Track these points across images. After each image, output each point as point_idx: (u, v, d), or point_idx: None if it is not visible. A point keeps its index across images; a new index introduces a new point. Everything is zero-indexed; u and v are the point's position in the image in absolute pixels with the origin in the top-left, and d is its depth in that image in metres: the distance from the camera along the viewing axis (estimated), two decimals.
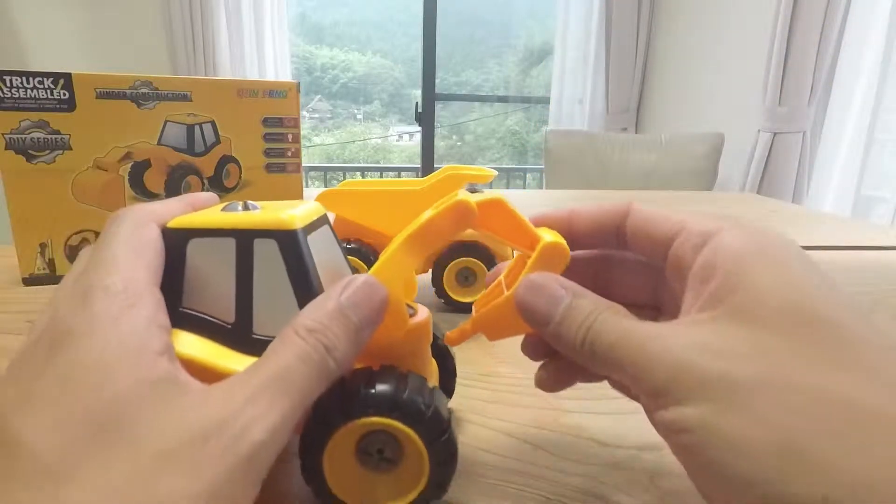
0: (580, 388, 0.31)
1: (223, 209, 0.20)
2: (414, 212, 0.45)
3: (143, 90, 0.47)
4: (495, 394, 0.31)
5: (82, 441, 0.14)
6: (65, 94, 0.45)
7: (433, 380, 0.23)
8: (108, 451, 0.14)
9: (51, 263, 0.47)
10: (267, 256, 0.19)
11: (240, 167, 0.51)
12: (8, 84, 0.44)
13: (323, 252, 0.21)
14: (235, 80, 0.50)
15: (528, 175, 3.39)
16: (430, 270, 0.43)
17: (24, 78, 0.44)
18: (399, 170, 3.62)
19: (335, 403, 0.18)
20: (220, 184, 0.51)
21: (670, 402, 0.15)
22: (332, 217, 0.44)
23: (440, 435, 0.19)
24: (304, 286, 0.19)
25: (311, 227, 0.21)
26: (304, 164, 0.55)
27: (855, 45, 1.58)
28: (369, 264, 0.42)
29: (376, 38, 3.85)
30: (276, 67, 2.31)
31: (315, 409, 0.18)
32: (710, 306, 0.16)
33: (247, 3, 2.18)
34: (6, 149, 0.45)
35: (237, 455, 0.14)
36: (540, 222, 0.22)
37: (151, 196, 0.49)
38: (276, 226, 0.19)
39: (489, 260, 0.42)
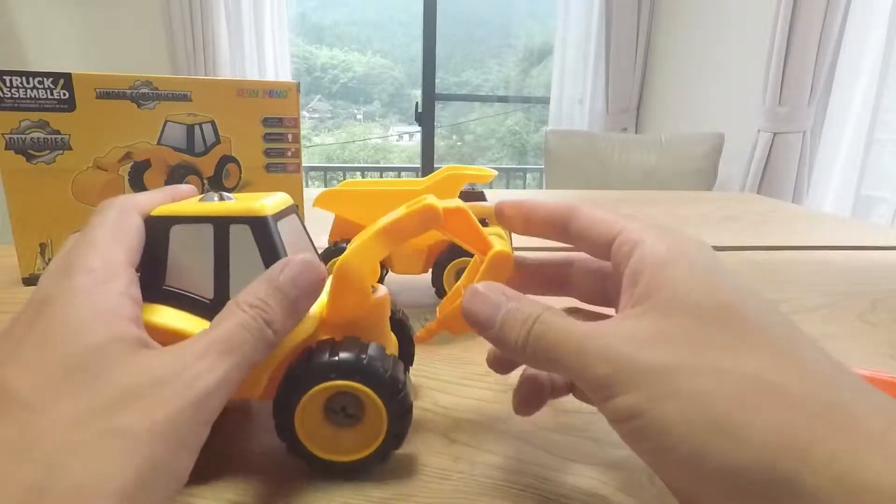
0: None
1: (200, 199, 0.23)
2: None
3: (143, 90, 0.47)
4: (495, 394, 0.31)
5: (56, 382, 0.16)
6: (65, 94, 0.45)
7: (392, 349, 0.26)
8: (77, 390, 0.16)
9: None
10: (241, 240, 0.22)
11: (240, 167, 0.51)
12: (8, 84, 0.44)
13: (290, 236, 0.24)
14: (235, 80, 0.50)
15: (528, 175, 3.39)
16: (430, 271, 0.43)
17: (24, 78, 0.44)
18: (399, 170, 3.62)
19: (304, 371, 0.21)
20: (220, 184, 0.51)
21: (611, 393, 0.17)
22: (331, 217, 0.44)
23: (396, 394, 0.22)
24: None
25: (281, 214, 0.23)
26: (304, 164, 0.55)
27: (855, 45, 1.58)
28: None
29: (376, 38, 3.85)
30: (276, 67, 2.31)
31: (287, 376, 0.21)
32: (638, 304, 0.18)
33: (247, 3, 2.18)
34: (6, 149, 0.45)
35: (186, 399, 0.17)
36: (499, 211, 0.24)
37: None
38: (250, 213, 0.22)
39: None
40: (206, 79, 0.49)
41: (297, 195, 0.54)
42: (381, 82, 3.87)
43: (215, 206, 0.22)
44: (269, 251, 0.22)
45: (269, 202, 0.22)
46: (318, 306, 0.23)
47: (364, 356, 0.21)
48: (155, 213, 0.22)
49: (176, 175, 0.49)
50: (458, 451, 0.25)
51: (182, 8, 2.07)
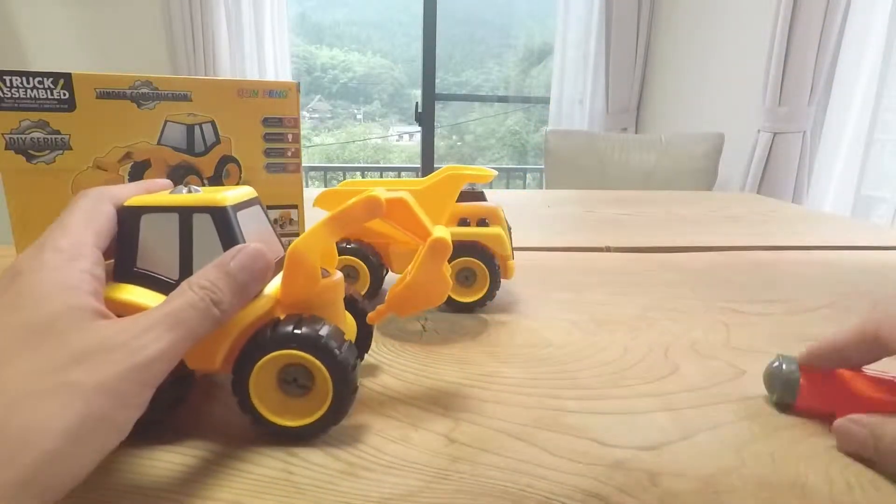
0: (580, 388, 0.31)
1: (171, 192, 0.25)
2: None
3: (143, 90, 0.47)
4: (495, 394, 0.31)
5: (21, 341, 0.19)
6: (65, 94, 0.45)
7: (349, 332, 0.29)
8: (38, 348, 0.19)
9: None
10: (203, 227, 0.24)
11: (240, 167, 0.51)
12: (8, 84, 0.44)
13: (251, 224, 0.26)
14: (235, 80, 0.50)
15: (528, 175, 3.39)
16: None
17: (24, 78, 0.44)
18: (399, 170, 3.62)
19: (269, 337, 0.24)
20: (220, 184, 0.51)
21: None
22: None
23: (345, 374, 0.24)
24: None
25: (242, 205, 0.26)
26: (304, 164, 0.55)
27: (855, 45, 1.58)
28: (369, 264, 0.42)
29: (376, 38, 3.85)
30: (276, 67, 2.31)
31: (251, 341, 0.24)
32: None
33: (247, 3, 2.18)
34: (6, 149, 0.45)
35: (133, 363, 0.19)
36: (822, 353, 0.28)
37: None
38: (211, 203, 0.24)
39: (489, 260, 0.42)
40: (206, 79, 0.49)
41: (297, 195, 0.54)
42: (381, 82, 3.87)
43: (182, 197, 0.25)
44: (228, 238, 0.24)
45: (230, 194, 0.25)
46: (274, 288, 0.25)
47: (323, 333, 0.24)
48: (128, 203, 0.25)
49: (176, 175, 0.49)
50: (458, 451, 0.25)
51: (182, 8, 2.07)
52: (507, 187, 3.15)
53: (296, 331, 0.24)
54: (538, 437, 0.26)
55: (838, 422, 0.25)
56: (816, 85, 1.65)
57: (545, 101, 2.74)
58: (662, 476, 0.24)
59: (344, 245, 0.42)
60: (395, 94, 3.85)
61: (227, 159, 0.51)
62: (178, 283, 0.23)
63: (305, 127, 3.57)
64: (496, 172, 0.44)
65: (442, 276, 0.28)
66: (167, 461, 0.24)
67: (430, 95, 2.57)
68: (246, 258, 0.23)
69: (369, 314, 0.29)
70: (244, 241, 0.25)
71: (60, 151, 0.46)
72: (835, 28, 1.59)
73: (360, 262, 0.42)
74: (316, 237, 0.25)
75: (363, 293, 0.43)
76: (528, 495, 0.22)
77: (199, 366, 0.25)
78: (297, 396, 0.25)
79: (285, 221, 0.54)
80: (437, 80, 2.57)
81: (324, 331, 0.24)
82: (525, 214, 0.85)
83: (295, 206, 0.54)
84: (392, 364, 0.34)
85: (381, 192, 0.25)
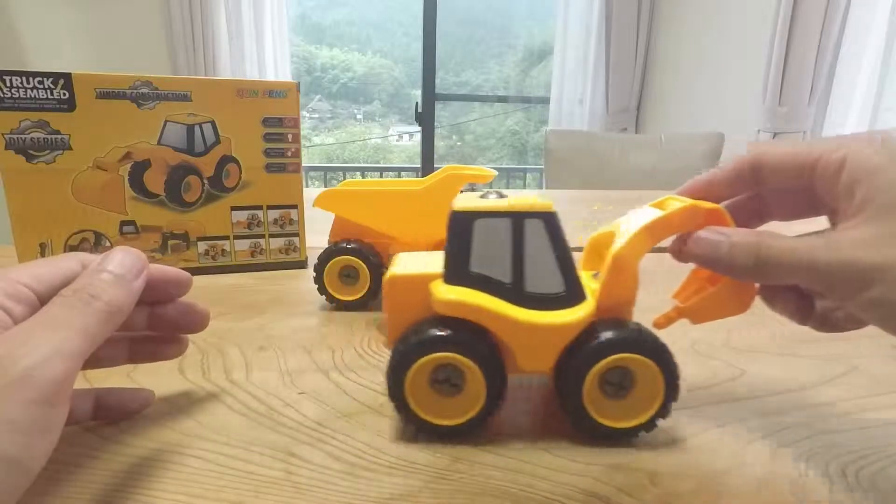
0: None
1: (481, 196, 0.26)
2: (414, 212, 0.45)
3: (143, 90, 0.47)
4: None
5: None
6: (65, 94, 0.45)
7: None
8: None
9: None
10: (535, 232, 0.25)
11: (240, 167, 0.51)
12: (8, 84, 0.44)
13: None
14: (235, 80, 0.50)
15: (528, 175, 3.39)
16: None
17: (24, 78, 0.44)
18: (399, 170, 3.62)
19: (596, 344, 0.25)
20: (220, 184, 0.51)
21: (853, 291, 0.20)
22: (331, 217, 0.44)
23: (673, 366, 0.25)
24: (563, 253, 0.25)
25: None
26: (304, 164, 0.55)
27: (855, 45, 1.58)
28: (369, 264, 0.42)
29: (376, 38, 3.85)
30: (276, 67, 2.31)
31: (574, 349, 0.25)
32: (859, 212, 0.20)
33: (247, 3, 2.18)
34: (6, 149, 0.45)
35: (11, 378, 0.17)
36: (696, 189, 0.27)
37: (151, 196, 0.49)
38: (542, 209, 0.25)
39: None
40: (206, 79, 0.49)
41: (297, 195, 0.54)
42: (381, 82, 3.87)
43: (510, 202, 0.25)
44: (559, 241, 0.25)
45: (545, 201, 0.26)
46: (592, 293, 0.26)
47: (641, 331, 0.25)
48: (459, 208, 0.25)
49: (176, 175, 0.49)
50: (458, 451, 0.25)
51: (182, 8, 2.07)
52: (507, 187, 3.15)
53: (624, 336, 0.25)
54: (538, 437, 0.26)
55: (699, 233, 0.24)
56: (816, 85, 1.65)
57: (545, 101, 2.74)
58: (662, 476, 0.24)
59: (344, 245, 0.42)
60: (395, 94, 3.85)
61: (227, 159, 0.51)
62: (511, 285, 0.25)
63: (305, 127, 3.57)
64: (496, 172, 0.44)
65: (751, 285, 0.27)
66: (167, 461, 0.24)
67: (430, 95, 2.57)
68: (113, 253, 0.23)
69: (656, 319, 0.28)
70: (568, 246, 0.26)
71: (60, 151, 0.46)
72: (835, 28, 1.59)
73: (360, 262, 0.42)
74: (638, 243, 0.25)
75: (363, 293, 0.43)
76: (528, 495, 0.22)
77: (532, 367, 0.25)
78: (620, 398, 0.26)
79: (285, 221, 0.54)
80: (437, 80, 2.57)
81: (650, 334, 0.25)
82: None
83: (295, 206, 0.54)
84: None
85: (702, 203, 0.25)
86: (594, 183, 1.86)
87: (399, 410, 0.26)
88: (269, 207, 0.53)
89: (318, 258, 0.42)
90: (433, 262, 0.27)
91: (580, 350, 0.25)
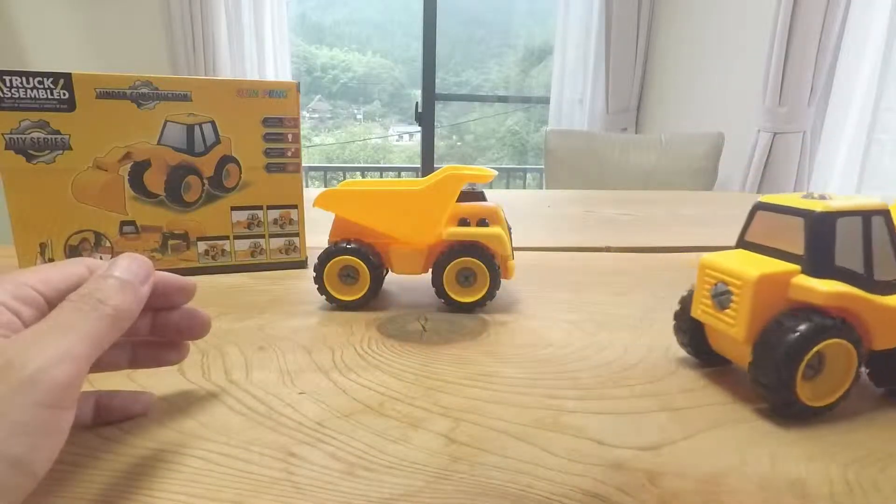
0: (580, 389, 0.31)
1: (803, 196, 0.30)
2: (414, 212, 0.45)
3: (143, 90, 0.47)
4: (495, 394, 0.31)
5: None
6: (65, 94, 0.45)
7: None
8: None
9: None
10: (880, 227, 0.29)
11: (240, 167, 0.51)
12: (8, 84, 0.44)
13: None
14: (235, 80, 0.50)
15: (528, 175, 3.39)
16: (430, 271, 0.43)
17: (24, 78, 0.44)
18: (399, 170, 3.62)
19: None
20: (220, 184, 0.51)
21: None
22: (331, 217, 0.44)
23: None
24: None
25: None
26: (304, 164, 0.55)
27: (855, 45, 1.58)
28: (369, 264, 0.42)
29: (376, 38, 3.85)
30: (276, 67, 2.31)
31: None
32: None
33: (247, 3, 2.18)
34: (6, 149, 0.45)
35: (19, 380, 0.17)
36: None
37: (151, 196, 0.49)
38: (882, 207, 0.29)
39: (489, 260, 0.42)
40: (206, 79, 0.49)
41: (297, 195, 0.54)
42: (381, 82, 3.86)
43: (862, 201, 0.29)
44: (893, 233, 0.29)
45: (881, 202, 0.29)
46: None
47: None
48: (822, 209, 0.28)
49: (176, 175, 0.49)
50: (458, 451, 0.25)
51: (182, 8, 2.07)
52: (507, 187, 3.15)
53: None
54: (538, 437, 0.26)
55: None
56: (816, 85, 1.65)
57: (545, 101, 2.74)
58: (662, 476, 0.24)
59: (344, 245, 0.42)
60: (395, 94, 3.85)
61: (227, 159, 0.51)
62: (864, 276, 0.28)
63: (305, 127, 3.56)
64: (496, 172, 0.44)
65: None
66: (167, 461, 0.24)
67: (430, 95, 2.57)
68: (120, 259, 0.23)
69: None
70: None
71: (60, 151, 0.46)
72: (835, 28, 1.59)
73: (360, 262, 0.42)
74: None
75: (363, 293, 0.43)
76: (528, 495, 0.22)
77: (887, 345, 0.28)
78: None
79: (285, 221, 0.54)
80: (437, 80, 2.57)
81: None
82: (525, 214, 0.86)
83: (295, 206, 0.54)
84: (392, 364, 0.34)
85: None
86: (594, 183, 1.87)
87: (778, 400, 0.27)
88: (269, 207, 0.53)
89: (318, 258, 0.42)
90: (766, 262, 0.30)
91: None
